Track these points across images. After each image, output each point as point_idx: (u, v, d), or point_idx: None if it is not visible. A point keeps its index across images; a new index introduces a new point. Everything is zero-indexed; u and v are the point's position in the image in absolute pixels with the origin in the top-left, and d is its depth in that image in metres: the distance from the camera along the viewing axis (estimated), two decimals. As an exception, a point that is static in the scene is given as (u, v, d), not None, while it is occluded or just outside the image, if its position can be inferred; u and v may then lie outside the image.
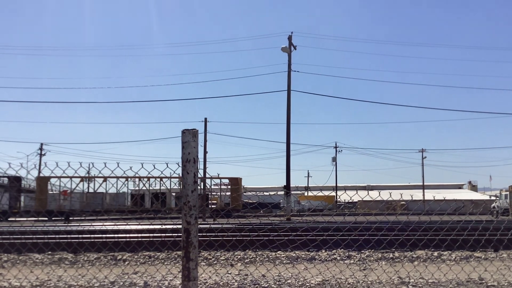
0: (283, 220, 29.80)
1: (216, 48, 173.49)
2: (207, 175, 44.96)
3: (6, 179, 43.39)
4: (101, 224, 20.48)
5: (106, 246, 10.49)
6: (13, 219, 35.43)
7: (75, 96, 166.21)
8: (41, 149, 62.28)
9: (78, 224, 22.32)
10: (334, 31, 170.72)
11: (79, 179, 39.66)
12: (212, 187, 47.19)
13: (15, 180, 41.30)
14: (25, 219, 35.65)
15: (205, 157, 50.09)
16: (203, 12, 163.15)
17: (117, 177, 36.71)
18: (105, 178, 36.45)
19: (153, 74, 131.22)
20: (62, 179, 38.24)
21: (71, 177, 37.82)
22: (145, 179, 41.32)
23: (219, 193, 45.84)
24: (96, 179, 41.08)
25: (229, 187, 45.19)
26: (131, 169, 4.34)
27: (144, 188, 43.31)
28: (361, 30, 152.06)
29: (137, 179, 41.84)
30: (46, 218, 35.89)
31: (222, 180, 45.04)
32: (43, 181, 39.81)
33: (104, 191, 42.40)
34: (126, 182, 41.53)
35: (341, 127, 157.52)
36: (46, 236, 11.85)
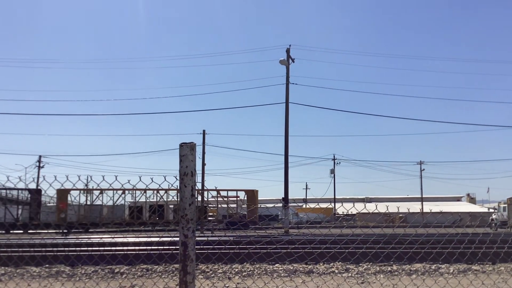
0: (281, 232, 29.75)
1: (214, 60, 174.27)
2: (225, 188, 45.20)
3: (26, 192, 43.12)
4: (99, 237, 20.42)
5: (104, 259, 10.47)
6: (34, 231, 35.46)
7: (74, 109, 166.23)
8: (39, 161, 62.16)
9: (75, 237, 22.23)
10: (332, 44, 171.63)
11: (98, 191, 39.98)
12: (210, 199, 47.11)
13: (36, 193, 41.23)
14: (45, 231, 35.76)
15: (203, 169, 50.02)
16: (201, 24, 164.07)
17: (135, 189, 36.73)
18: (120, 190, 36.64)
19: (151, 86, 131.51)
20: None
21: (91, 190, 38.11)
22: (144, 192, 41.31)
23: (219, 205, 45.75)
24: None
25: (235, 199, 45.30)
26: (129, 182, 4.37)
27: (142, 200, 43.32)
28: (360, 43, 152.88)
29: (136, 192, 41.83)
30: (66, 231, 36.18)
31: (228, 192, 45.20)
32: (63, 193, 39.92)
33: (101, 203, 42.34)
34: (124, 194, 41.46)
35: (339, 139, 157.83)
36: (43, 249, 11.82)
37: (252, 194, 45.36)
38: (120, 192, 39.90)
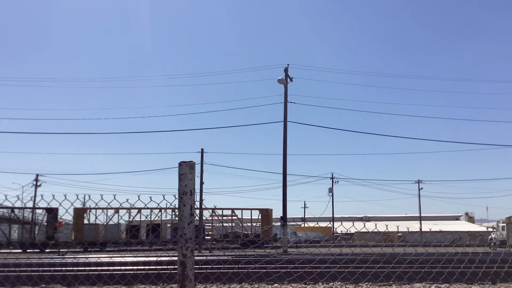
0: (280, 252, 29.55)
1: (212, 79, 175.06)
2: (239, 207, 45.34)
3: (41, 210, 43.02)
4: (96, 256, 20.26)
5: (101, 279, 10.37)
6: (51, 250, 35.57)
7: (71, 127, 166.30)
8: (36, 180, 61.97)
9: (73, 256, 22.05)
10: (331, 63, 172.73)
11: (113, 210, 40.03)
12: (209, 218, 46.84)
13: (50, 211, 41.20)
14: (65, 249, 35.74)
15: (201, 188, 49.88)
16: (200, 44, 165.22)
17: (151, 209, 36.73)
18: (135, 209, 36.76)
19: (149, 105, 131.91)
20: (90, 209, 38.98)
21: (105, 208, 38.12)
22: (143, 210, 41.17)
23: (219, 224, 45.58)
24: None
25: (229, 217, 45.13)
26: (127, 201, 4.36)
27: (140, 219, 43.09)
28: (358, 62, 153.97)
29: (134, 211, 41.69)
30: (82, 249, 36.15)
31: (243, 211, 45.38)
32: (79, 212, 40.43)
33: (101, 222, 42.14)
34: (117, 213, 41.47)
35: (338, 158, 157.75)
36: (40, 268, 11.71)
37: (266, 213, 45.51)
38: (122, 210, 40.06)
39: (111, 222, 42.40)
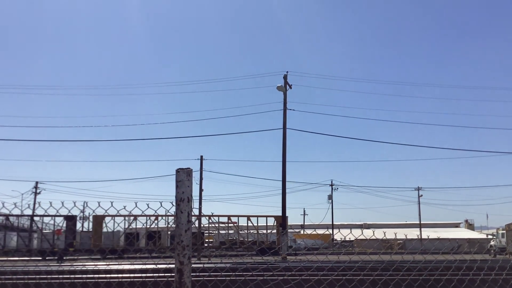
0: (278, 259, 29.49)
1: (211, 86, 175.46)
2: (253, 215, 45.56)
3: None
4: (93, 264, 20.19)
5: (98, 287, 10.33)
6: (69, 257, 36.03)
7: (70, 135, 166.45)
8: (36, 187, 61.86)
9: (70, 264, 21.97)
10: (330, 71, 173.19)
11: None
12: (207, 225, 46.84)
13: (69, 219, 41.25)
14: (85, 257, 36.36)
15: (200, 195, 49.90)
16: (199, 50, 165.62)
17: (172, 216, 36.79)
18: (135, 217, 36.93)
19: (148, 112, 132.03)
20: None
21: (125, 216, 38.45)
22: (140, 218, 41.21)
23: (219, 231, 45.58)
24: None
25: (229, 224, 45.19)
26: (124, 208, 4.36)
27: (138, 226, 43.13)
28: (358, 70, 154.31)
29: (131, 218, 41.71)
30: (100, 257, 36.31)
31: (258, 218, 45.67)
32: (97, 219, 41.12)
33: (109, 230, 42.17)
34: (135, 220, 41.78)
35: (337, 165, 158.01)
36: (37, 276, 11.66)
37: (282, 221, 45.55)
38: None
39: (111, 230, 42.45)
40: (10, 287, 10.31)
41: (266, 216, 46.02)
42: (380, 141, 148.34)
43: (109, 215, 39.24)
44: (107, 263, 21.82)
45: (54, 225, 41.88)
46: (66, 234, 41.76)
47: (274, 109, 44.70)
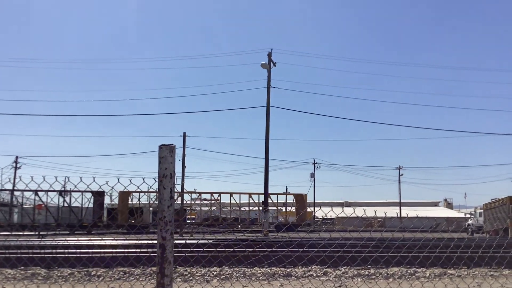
0: (260, 236, 29.76)
1: (195, 63, 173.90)
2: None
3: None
4: (76, 238, 20.18)
5: (80, 262, 10.36)
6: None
7: (51, 109, 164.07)
8: (16, 162, 61.18)
9: (52, 239, 21.92)
10: (314, 49, 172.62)
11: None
12: (190, 202, 47.03)
13: (98, 195, 40.99)
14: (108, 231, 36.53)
15: (183, 172, 49.81)
16: (181, 27, 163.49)
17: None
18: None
19: (131, 88, 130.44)
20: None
21: (149, 192, 38.55)
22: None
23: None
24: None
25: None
26: (107, 183, 4.34)
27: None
28: (341, 49, 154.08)
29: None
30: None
31: (278, 196, 46.38)
32: (124, 195, 41.58)
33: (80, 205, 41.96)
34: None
35: (320, 144, 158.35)
36: (19, 251, 11.65)
37: (301, 198, 47.41)
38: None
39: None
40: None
41: (286, 194, 48.54)
42: (363, 120, 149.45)
43: (136, 191, 39.60)
44: (90, 237, 21.82)
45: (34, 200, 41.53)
46: (94, 209, 42.14)
47: (259, 86, 44.52)
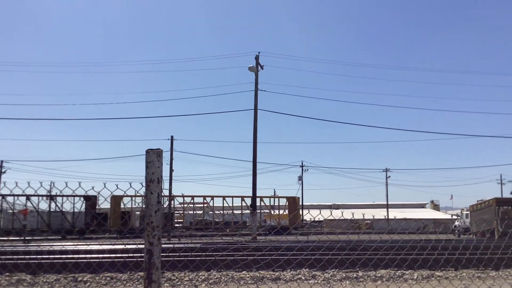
0: (249, 239, 29.70)
1: (183, 66, 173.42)
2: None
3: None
4: (61, 244, 19.97)
5: (66, 268, 10.23)
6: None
7: (37, 113, 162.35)
8: (1, 166, 60.50)
9: (37, 245, 21.67)
10: (301, 52, 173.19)
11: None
12: (177, 205, 46.75)
13: (89, 199, 40.61)
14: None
15: (171, 176, 49.61)
16: (170, 31, 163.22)
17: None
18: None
19: (119, 91, 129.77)
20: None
21: (141, 196, 37.91)
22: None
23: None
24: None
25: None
26: (93, 188, 4.28)
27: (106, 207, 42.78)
28: (329, 52, 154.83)
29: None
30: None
31: (270, 199, 46.71)
32: (116, 200, 41.03)
33: (65, 210, 41.53)
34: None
35: (308, 147, 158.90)
36: (3, 257, 11.47)
37: (293, 201, 47.49)
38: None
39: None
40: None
41: (279, 197, 48.27)
42: (350, 123, 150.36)
43: (128, 195, 39.18)
44: (75, 243, 21.61)
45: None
46: (85, 214, 41.83)
47: (247, 89, 44.45)
